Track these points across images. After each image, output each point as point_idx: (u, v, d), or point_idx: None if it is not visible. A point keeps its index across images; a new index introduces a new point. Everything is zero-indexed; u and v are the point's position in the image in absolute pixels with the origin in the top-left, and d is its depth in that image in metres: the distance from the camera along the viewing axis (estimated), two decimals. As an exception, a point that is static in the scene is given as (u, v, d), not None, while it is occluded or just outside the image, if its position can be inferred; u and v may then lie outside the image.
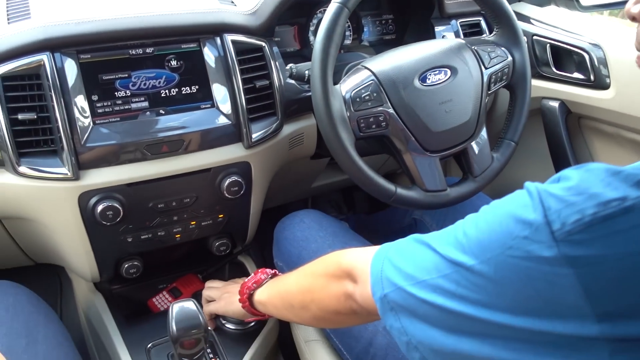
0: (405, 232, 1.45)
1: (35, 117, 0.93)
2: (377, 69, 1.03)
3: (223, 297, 1.10)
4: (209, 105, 1.06)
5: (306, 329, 1.14)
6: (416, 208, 1.11)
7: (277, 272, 1.03)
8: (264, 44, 1.11)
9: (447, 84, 1.05)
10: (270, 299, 0.94)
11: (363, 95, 1.00)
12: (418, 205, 1.06)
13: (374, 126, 1.01)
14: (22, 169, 0.94)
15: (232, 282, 1.15)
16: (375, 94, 1.01)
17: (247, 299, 1.00)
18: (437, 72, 1.05)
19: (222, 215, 1.17)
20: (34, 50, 0.94)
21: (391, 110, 1.01)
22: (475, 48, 1.10)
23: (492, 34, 1.16)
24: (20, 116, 0.92)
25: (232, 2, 1.17)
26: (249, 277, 1.03)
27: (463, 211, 1.27)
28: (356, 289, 0.72)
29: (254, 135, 1.08)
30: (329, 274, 0.77)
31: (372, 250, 0.70)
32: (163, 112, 1.03)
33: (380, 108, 1.01)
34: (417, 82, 1.03)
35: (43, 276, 1.54)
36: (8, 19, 1.00)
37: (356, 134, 1.00)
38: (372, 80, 1.02)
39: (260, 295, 0.97)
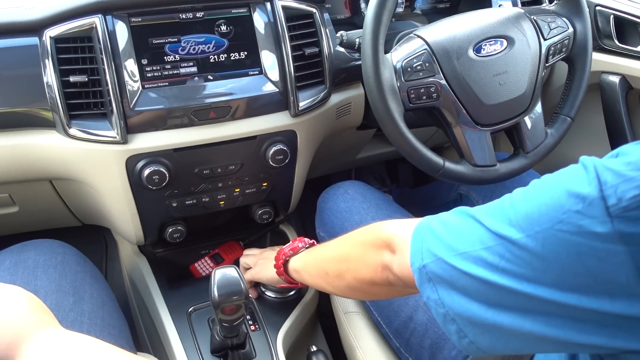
0: (450, 206, 1.42)
1: (86, 79, 0.95)
2: (430, 38, 1.01)
3: (259, 263, 1.11)
4: (257, 72, 1.06)
5: (346, 300, 1.14)
6: (464, 183, 1.09)
7: (315, 243, 1.03)
8: (314, 10, 1.10)
9: (502, 55, 1.02)
10: (306, 266, 0.94)
11: (414, 65, 0.98)
12: (466, 180, 1.04)
13: (424, 97, 1.00)
14: (73, 131, 0.97)
15: (269, 249, 1.17)
16: (427, 64, 0.99)
17: (282, 265, 1.00)
18: (493, 42, 1.02)
19: (266, 184, 1.18)
20: (86, 13, 0.95)
21: (443, 82, 0.99)
22: (535, 18, 1.06)
23: (552, 3, 1.12)
24: (71, 78, 0.94)
25: (284, -34, 1.16)
26: (286, 245, 1.03)
27: (512, 188, 1.23)
28: (394, 259, 0.71)
29: (301, 104, 1.08)
30: (367, 243, 0.76)
31: (413, 222, 0.69)
32: (211, 78, 1.03)
33: (432, 79, 0.99)
34: (471, 53, 1.00)
35: (90, 237, 1.59)
36: (61, -19, 1.02)
37: (405, 105, 0.99)
38: (424, 49, 1.00)
39: (295, 263, 0.98)
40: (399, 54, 1.00)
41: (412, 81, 0.98)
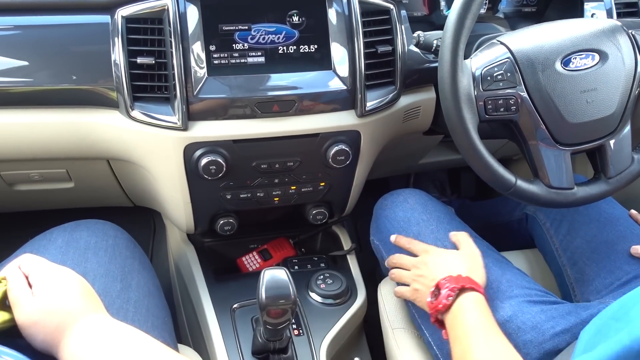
0: (514, 226, 1.41)
1: (153, 62, 0.97)
2: (514, 46, 0.98)
3: (415, 287, 1.03)
4: (326, 67, 1.05)
5: (396, 314, 1.13)
6: (535, 204, 1.06)
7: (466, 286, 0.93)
8: (392, 6, 1.08)
9: (593, 71, 0.98)
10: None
11: (495, 74, 0.96)
12: (538, 201, 1.01)
13: (502, 109, 0.97)
14: (135, 112, 0.99)
15: (421, 263, 1.04)
16: (509, 74, 0.96)
17: (436, 321, 0.95)
18: (584, 56, 0.97)
19: (323, 184, 1.17)
20: None
21: (524, 94, 0.96)
22: (633, 32, 1.01)
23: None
24: (139, 60, 0.96)
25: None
26: (432, 295, 0.96)
27: (586, 214, 1.22)
28: None
29: (368, 104, 1.07)
30: None
31: None
32: (278, 70, 1.03)
33: (513, 90, 0.96)
34: (558, 66, 0.96)
35: (139, 218, 1.63)
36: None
37: (481, 116, 0.96)
38: (507, 58, 0.97)
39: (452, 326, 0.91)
40: (479, 61, 0.97)
41: (490, 91, 0.95)
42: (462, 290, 0.92)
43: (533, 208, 1.28)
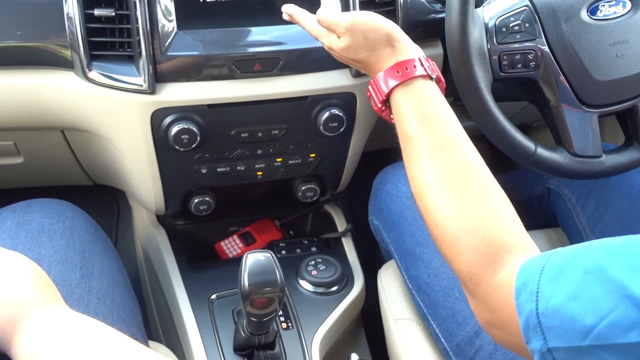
0: (534, 202, 1.42)
1: (113, 14, 0.96)
2: (533, -8, 0.98)
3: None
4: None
5: (398, 304, 1.14)
6: (558, 175, 1.07)
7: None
8: (391, -57, 1.08)
9: (624, 20, 0.99)
10: (414, 140, 0.83)
11: (511, 25, 0.96)
12: (561, 171, 1.02)
13: (519, 65, 0.98)
14: (93, 74, 0.98)
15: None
16: (527, 25, 0.97)
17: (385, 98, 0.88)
18: (613, 3, 0.99)
19: (314, 155, 1.17)
20: None
21: (545, 48, 0.97)
22: (670, -25, 1.02)
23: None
24: (96, 12, 0.95)
25: None
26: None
27: (617, 187, 1.23)
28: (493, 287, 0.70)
29: (365, 61, 1.07)
30: (488, 256, 0.72)
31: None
32: (260, 23, 1.03)
33: (531, 43, 0.97)
34: (584, 14, 0.97)
35: (100, 199, 1.63)
36: None
37: (495, 74, 0.97)
38: (525, 6, 0.97)
39: (404, 110, 0.84)
40: (493, 10, 0.98)
41: (506, 44, 0.96)
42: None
43: (556, 181, 1.29)
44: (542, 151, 0.99)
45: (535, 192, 1.37)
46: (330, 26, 0.91)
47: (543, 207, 1.34)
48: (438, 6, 1.14)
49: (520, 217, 1.27)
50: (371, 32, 0.88)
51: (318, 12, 0.92)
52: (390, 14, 1.09)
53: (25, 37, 0.98)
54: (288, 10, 0.97)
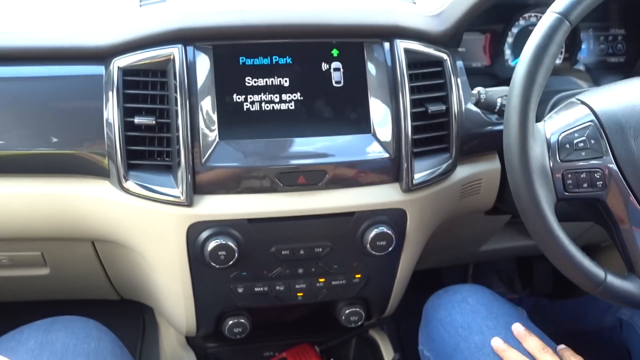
0: (604, 335, 1.39)
1: (154, 122, 1.00)
2: (598, 107, 0.99)
3: None
4: (364, 130, 1.08)
5: None
6: (631, 307, 1.04)
7: None
8: (445, 56, 1.12)
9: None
10: None
11: (576, 141, 0.97)
12: (635, 302, 1.00)
13: (585, 185, 0.97)
14: (129, 184, 1.02)
15: None
16: (592, 141, 0.97)
17: None
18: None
19: (359, 275, 1.18)
20: (165, 42, 1.02)
21: (613, 166, 0.97)
22: None
23: None
24: (136, 120, 1.00)
25: (412, -1, 1.20)
26: None
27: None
28: None
29: (416, 176, 1.09)
30: None
31: None
32: (305, 133, 1.06)
33: (598, 161, 0.97)
34: (655, 131, 0.98)
35: (125, 312, 1.64)
36: (140, 1, 1.10)
37: (559, 193, 0.97)
38: (590, 121, 0.98)
39: None
40: (555, 124, 0.99)
41: (570, 162, 0.96)
42: None
43: (629, 311, 1.27)
44: (612, 279, 0.98)
45: (605, 323, 1.34)
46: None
47: (614, 340, 1.31)
48: (495, 117, 1.16)
49: (589, 351, 1.25)
50: None
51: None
52: (444, 126, 1.12)
53: (61, 144, 1.03)
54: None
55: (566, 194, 0.97)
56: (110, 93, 1.01)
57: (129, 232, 1.09)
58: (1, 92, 1.03)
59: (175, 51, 1.01)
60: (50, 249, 1.18)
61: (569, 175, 0.97)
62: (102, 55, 1.03)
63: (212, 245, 1.04)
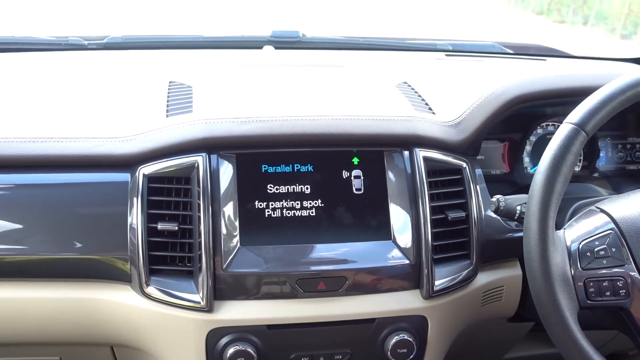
0: None
1: (177, 228, 1.02)
2: (618, 215, 1.00)
3: None
4: (384, 236, 1.09)
5: None
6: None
7: None
8: (464, 164, 1.14)
9: None
10: None
11: (597, 249, 0.97)
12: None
13: (608, 293, 0.97)
14: (150, 289, 1.03)
15: None
16: (614, 249, 0.97)
17: None
18: None
19: (379, 384, 1.16)
20: (189, 150, 1.05)
21: (635, 274, 0.97)
22: None
23: None
24: (160, 226, 1.02)
25: (430, 108, 1.22)
26: None
27: None
28: None
29: (437, 282, 1.09)
30: None
31: None
32: (325, 240, 1.07)
33: (620, 269, 0.97)
34: (676, 239, 0.97)
35: None
36: (167, 111, 1.14)
37: (581, 302, 0.96)
38: (610, 229, 0.99)
39: None
40: (576, 232, 0.99)
41: (592, 270, 0.96)
42: None
43: None
44: (639, 390, 0.96)
45: None
46: None
47: None
48: (514, 224, 1.17)
49: None
50: None
51: None
52: (464, 233, 1.12)
53: (85, 249, 1.05)
54: None
55: (589, 302, 0.96)
56: (135, 199, 1.03)
57: (148, 336, 1.09)
58: (31, 198, 1.07)
59: (199, 159, 1.04)
60: (69, 354, 1.18)
61: (591, 284, 0.96)
62: (129, 163, 1.06)
63: (231, 351, 1.03)
